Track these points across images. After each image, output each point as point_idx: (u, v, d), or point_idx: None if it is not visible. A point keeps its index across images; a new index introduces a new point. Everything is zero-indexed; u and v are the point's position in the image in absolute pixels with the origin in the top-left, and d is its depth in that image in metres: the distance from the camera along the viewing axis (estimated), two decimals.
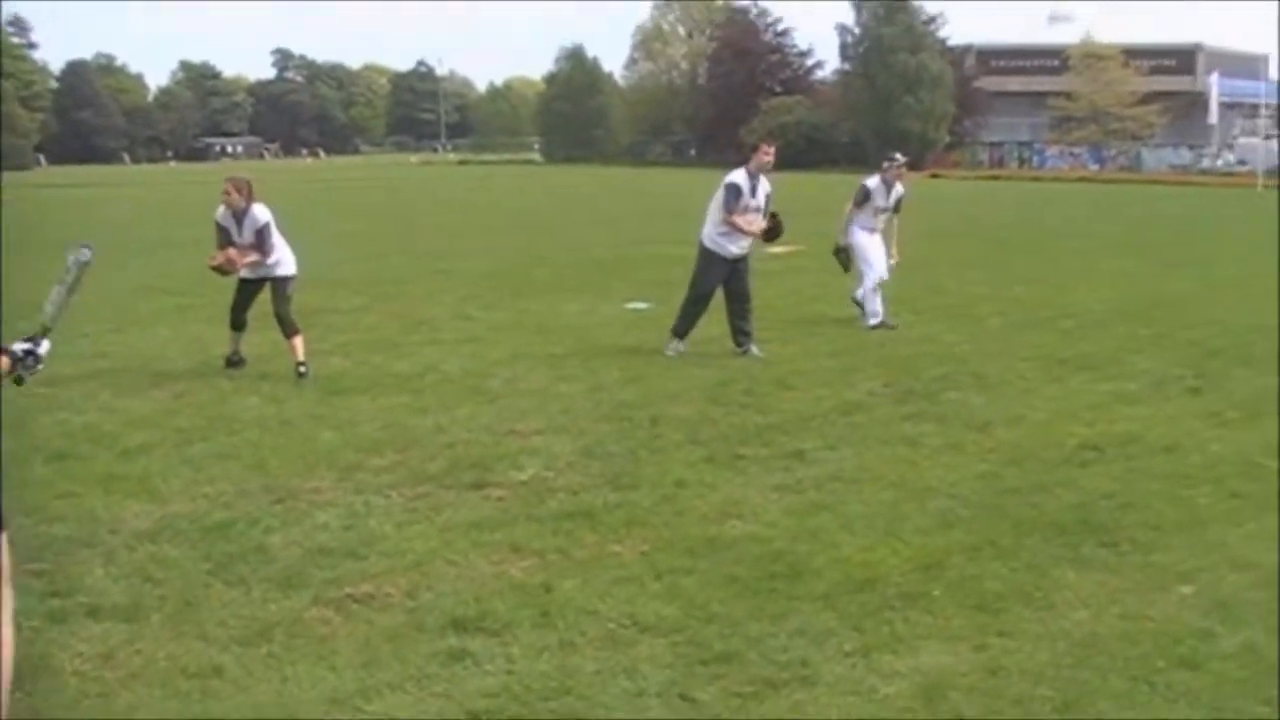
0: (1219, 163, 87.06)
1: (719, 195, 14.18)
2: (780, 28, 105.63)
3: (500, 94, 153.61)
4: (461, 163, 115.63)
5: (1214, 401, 11.93)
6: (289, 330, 13.26)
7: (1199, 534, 7.87)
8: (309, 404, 11.83)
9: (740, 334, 14.27)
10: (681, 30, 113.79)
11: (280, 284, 13.40)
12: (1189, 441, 10.30)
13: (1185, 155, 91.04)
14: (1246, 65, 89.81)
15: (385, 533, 8.07)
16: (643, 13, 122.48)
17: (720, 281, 14.29)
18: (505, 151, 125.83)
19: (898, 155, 16.81)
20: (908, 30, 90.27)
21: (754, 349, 14.17)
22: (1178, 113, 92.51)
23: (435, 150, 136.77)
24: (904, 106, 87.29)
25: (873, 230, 16.40)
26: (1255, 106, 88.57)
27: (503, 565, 7.44)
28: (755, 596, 6.86)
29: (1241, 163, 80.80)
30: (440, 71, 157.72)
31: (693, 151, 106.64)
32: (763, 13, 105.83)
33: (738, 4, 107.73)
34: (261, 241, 13.13)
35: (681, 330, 14.31)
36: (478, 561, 7.51)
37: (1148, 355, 14.42)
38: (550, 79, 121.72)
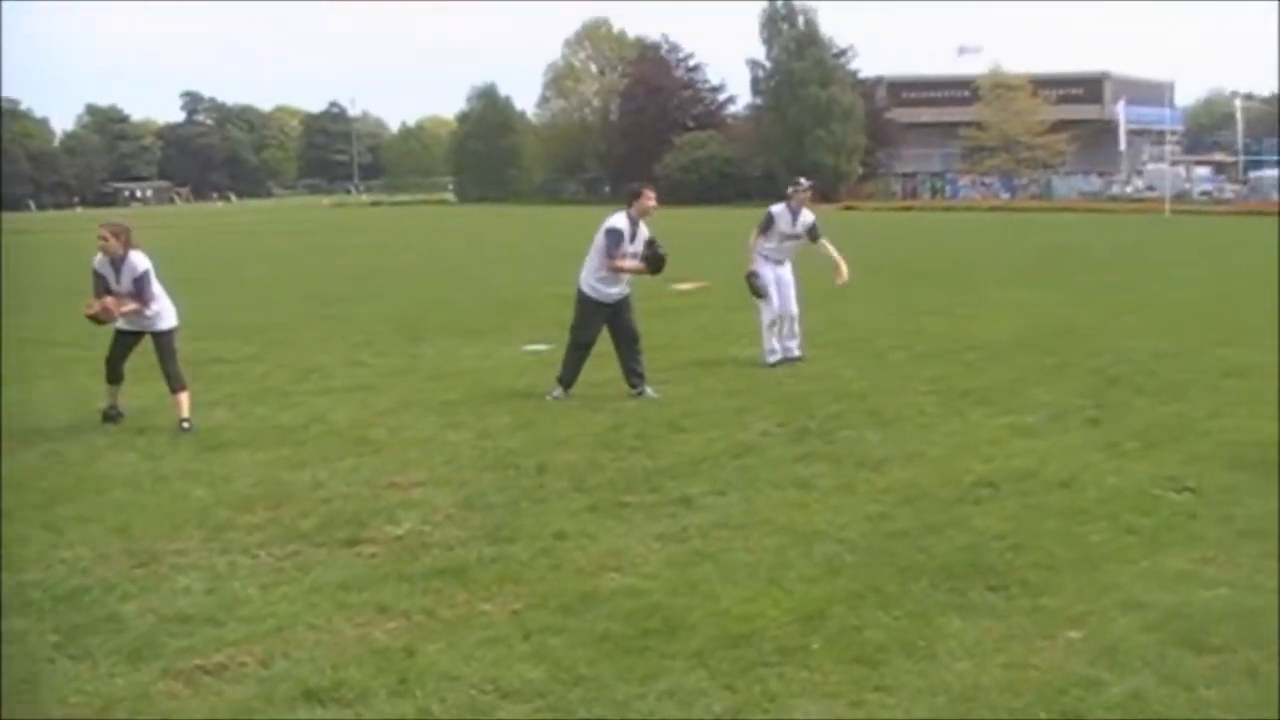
0: (1128, 189, 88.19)
1: (599, 241, 13.83)
2: (692, 63, 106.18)
3: (412, 134, 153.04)
4: (374, 204, 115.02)
5: (1113, 432, 11.74)
6: (176, 385, 12.81)
7: (1090, 575, 7.62)
8: (185, 460, 11.37)
9: (633, 375, 13.95)
10: (593, 67, 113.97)
11: (162, 339, 12.95)
12: (1086, 475, 10.08)
13: (1095, 182, 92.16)
14: (1153, 92, 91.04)
15: (248, 596, 7.66)
16: (554, 50, 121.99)
17: (600, 327, 13.96)
18: (419, 192, 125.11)
19: (802, 180, 16.54)
20: (818, 64, 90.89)
21: (648, 390, 13.85)
22: (1087, 140, 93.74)
23: (348, 192, 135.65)
24: (816, 139, 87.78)
25: (780, 262, 16.10)
26: (1162, 133, 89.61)
27: (367, 628, 7.07)
28: (626, 656, 6.53)
29: (1150, 189, 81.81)
30: (352, 112, 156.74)
31: (607, 188, 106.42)
32: (674, 48, 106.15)
33: (649, 40, 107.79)
34: (140, 290, 12.67)
35: (566, 379, 13.95)
36: (341, 625, 7.13)
37: (1048, 386, 14.24)
38: (462, 118, 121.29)
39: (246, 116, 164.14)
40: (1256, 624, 6.75)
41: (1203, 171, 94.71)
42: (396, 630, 7.03)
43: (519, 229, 62.53)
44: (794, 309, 16.09)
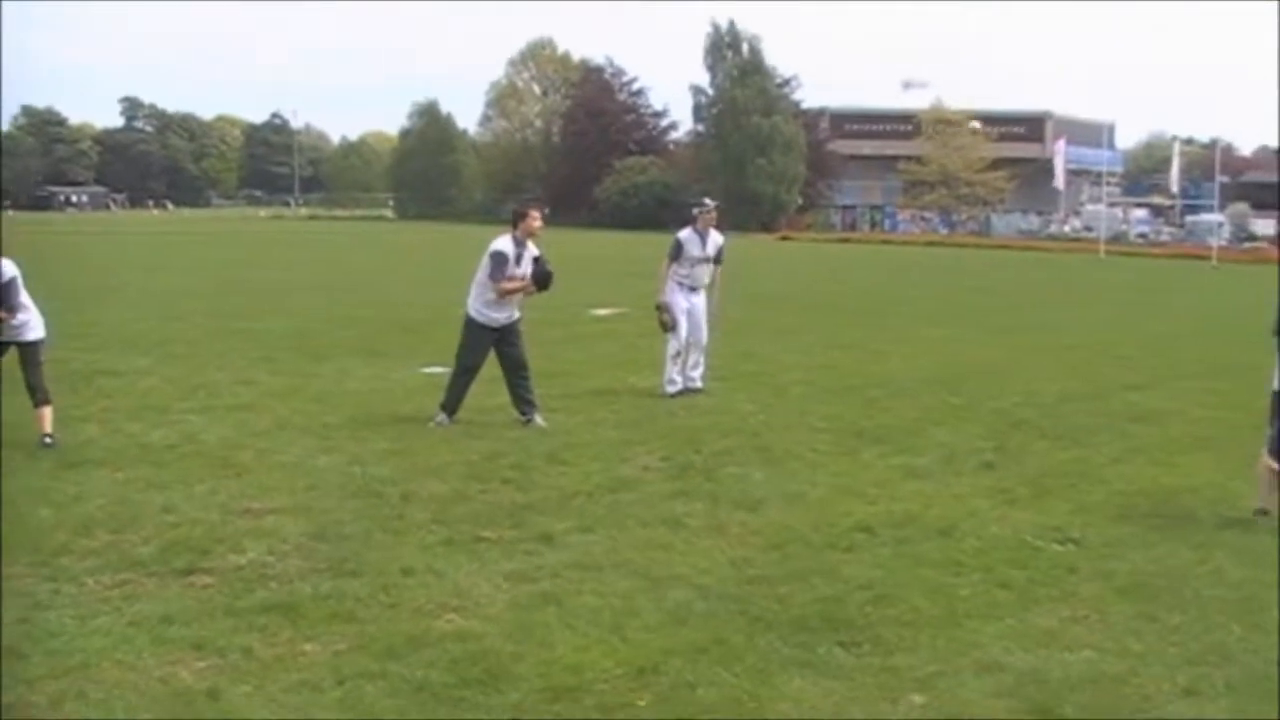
0: (1066, 228, 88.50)
1: (484, 264, 13.38)
2: (635, 87, 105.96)
3: (353, 149, 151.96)
4: (311, 218, 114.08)
5: (1005, 478, 11.41)
6: (39, 399, 12.23)
7: (951, 632, 7.22)
8: (39, 478, 10.80)
9: (522, 403, 13.49)
10: (536, 88, 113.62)
11: (29, 350, 12.36)
12: (968, 523, 9.70)
13: (1034, 221, 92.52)
14: (1093, 133, 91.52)
15: (63, 627, 7.15)
16: (497, 69, 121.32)
17: (487, 352, 13.51)
18: (358, 207, 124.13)
19: (707, 200, 16.09)
20: (761, 93, 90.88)
21: (538, 419, 13.40)
22: (1026, 179, 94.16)
23: (287, 205, 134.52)
24: (756, 168, 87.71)
25: (693, 289, 15.65)
26: (1101, 174, 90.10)
27: (175, 667, 6.58)
28: (439, 706, 6.10)
29: (1088, 229, 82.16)
30: (295, 124, 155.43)
31: (547, 210, 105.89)
32: (618, 72, 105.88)
33: (593, 63, 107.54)
34: (5, 298, 12.10)
35: (450, 405, 13.47)
36: (150, 662, 6.64)
37: (949, 427, 13.90)
38: (404, 134, 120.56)
39: (187, 124, 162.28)
40: (1115, 693, 6.38)
41: (1140, 213, 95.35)
42: (206, 670, 6.54)
43: (452, 248, 61.69)
44: (702, 339, 15.68)
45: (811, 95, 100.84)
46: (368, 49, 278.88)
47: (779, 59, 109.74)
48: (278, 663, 6.66)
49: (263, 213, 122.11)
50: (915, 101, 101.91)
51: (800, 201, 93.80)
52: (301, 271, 40.54)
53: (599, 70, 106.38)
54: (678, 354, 15.39)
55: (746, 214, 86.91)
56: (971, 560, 8.68)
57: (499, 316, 13.42)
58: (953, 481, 11.24)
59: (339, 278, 37.67)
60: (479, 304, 13.44)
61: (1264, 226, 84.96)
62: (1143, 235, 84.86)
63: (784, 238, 79.00)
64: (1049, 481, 11.29)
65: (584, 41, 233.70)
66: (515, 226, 13.58)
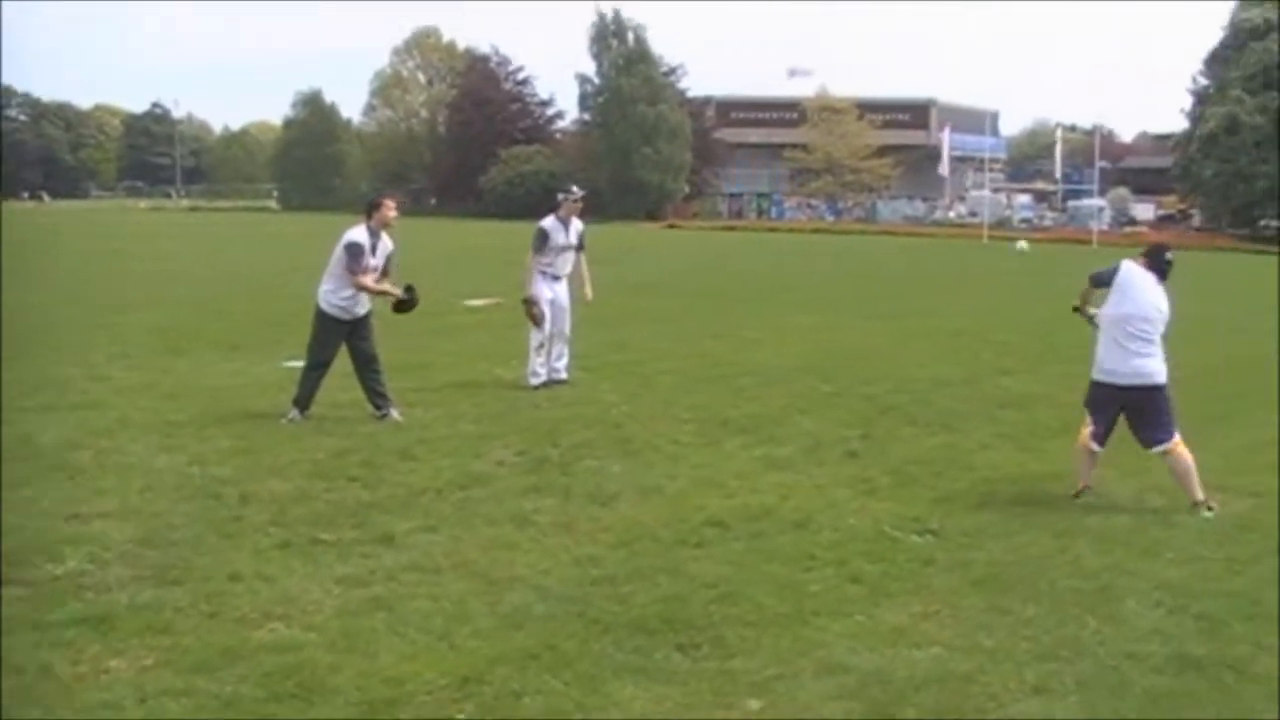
0: (951, 214, 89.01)
1: (339, 254, 12.94)
2: (521, 76, 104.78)
3: (235, 139, 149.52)
4: (193, 209, 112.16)
5: (869, 466, 11.17)
6: None
7: (796, 631, 6.93)
8: None
9: (376, 397, 13.05)
10: (421, 77, 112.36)
11: None
12: (825, 515, 9.44)
13: (919, 207, 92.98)
14: (978, 121, 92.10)
15: None
16: (382, 59, 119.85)
17: (339, 346, 13.07)
18: (240, 198, 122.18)
19: (574, 188, 15.76)
20: (647, 81, 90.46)
21: (394, 413, 12.97)
22: (911, 166, 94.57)
23: (169, 196, 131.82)
24: (642, 157, 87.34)
25: (556, 278, 15.28)
26: (985, 160, 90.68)
27: None
28: None
29: (973, 214, 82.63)
30: (177, 114, 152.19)
31: (433, 200, 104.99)
32: (504, 61, 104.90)
33: (478, 52, 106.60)
34: None
35: (301, 400, 12.97)
36: None
37: (816, 415, 13.66)
38: (288, 124, 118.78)
39: (63, 114, 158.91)
40: (960, 692, 6.11)
41: (1024, 199, 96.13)
42: None
43: (332, 239, 60.88)
44: (566, 328, 15.34)
45: (698, 84, 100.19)
46: (252, 36, 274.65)
47: (665, 48, 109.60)
48: (78, 682, 6.23)
49: (143, 204, 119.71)
50: (801, 89, 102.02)
51: (687, 190, 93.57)
52: (174, 263, 39.54)
53: (484, 59, 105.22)
54: (541, 345, 15.02)
55: (633, 203, 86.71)
56: (825, 554, 8.40)
57: (358, 310, 12.99)
58: (815, 471, 10.98)
59: (212, 270, 36.77)
60: (333, 297, 12.98)
61: (1144, 211, 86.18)
62: (1026, 220, 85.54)
63: (670, 226, 78.82)
64: (913, 469, 11.06)
65: (470, 30, 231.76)
66: (369, 216, 13.14)
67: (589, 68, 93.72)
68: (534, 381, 14.87)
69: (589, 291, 15.71)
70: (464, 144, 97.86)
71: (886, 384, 15.78)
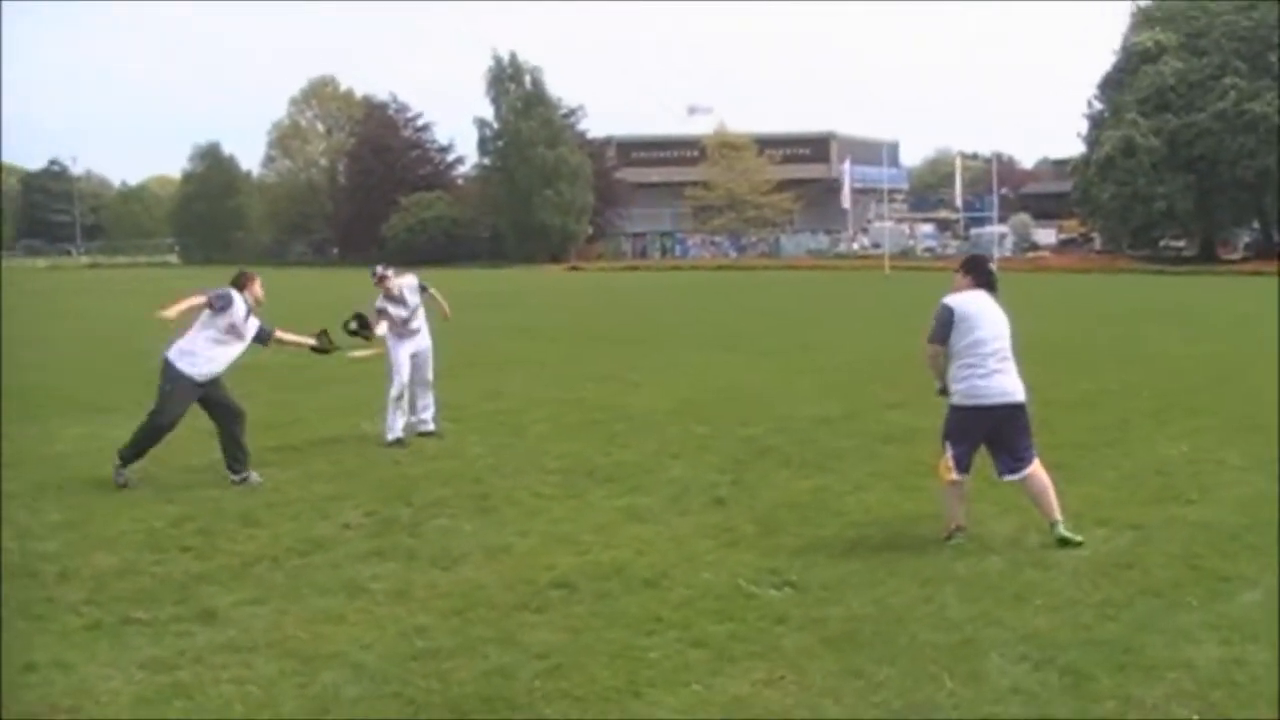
0: (855, 246, 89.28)
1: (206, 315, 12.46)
2: (420, 123, 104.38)
3: (133, 194, 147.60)
4: (92, 266, 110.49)
5: (735, 514, 10.65)
6: None
7: (625, 706, 6.40)
8: None
9: (234, 460, 12.40)
10: (320, 126, 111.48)
11: None
12: (680, 570, 8.89)
13: (823, 240, 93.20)
14: (878, 152, 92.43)
15: None
16: (279, 109, 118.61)
17: (188, 405, 12.45)
18: (140, 254, 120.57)
19: (377, 268, 15.13)
20: (545, 124, 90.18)
21: (253, 476, 12.32)
22: (813, 199, 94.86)
23: (68, 253, 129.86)
24: (543, 200, 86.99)
25: (415, 331, 14.77)
26: (888, 191, 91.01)
27: None
28: None
29: (876, 246, 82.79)
30: (75, 170, 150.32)
31: (335, 250, 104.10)
32: (402, 108, 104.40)
33: (376, 99, 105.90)
34: None
35: (129, 456, 12.35)
36: None
37: (687, 460, 13.14)
38: (186, 178, 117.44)
39: None
40: None
41: (926, 229, 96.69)
42: None
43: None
44: (429, 375, 14.83)
45: (598, 124, 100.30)
46: (149, 91, 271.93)
47: (563, 89, 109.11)
48: None
49: (41, 263, 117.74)
50: (700, 127, 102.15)
51: (590, 231, 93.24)
52: (57, 323, 38.57)
53: (383, 107, 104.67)
54: (400, 397, 14.43)
55: (536, 246, 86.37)
56: (672, 615, 7.85)
57: (214, 368, 12.47)
58: (676, 522, 10.44)
59: (98, 327, 35.83)
60: (196, 353, 12.41)
61: (1046, 236, 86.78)
62: (930, 249, 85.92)
63: (572, 268, 78.38)
64: (781, 515, 10.55)
65: (367, 78, 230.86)
66: (241, 289, 12.63)
67: (488, 112, 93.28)
68: (389, 437, 14.26)
69: (447, 309, 15.50)
70: (365, 192, 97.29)
71: (766, 424, 15.30)
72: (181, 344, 12.51)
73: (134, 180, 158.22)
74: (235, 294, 12.58)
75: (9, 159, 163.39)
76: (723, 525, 10.26)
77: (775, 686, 6.62)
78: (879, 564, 8.98)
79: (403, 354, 14.53)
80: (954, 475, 9.59)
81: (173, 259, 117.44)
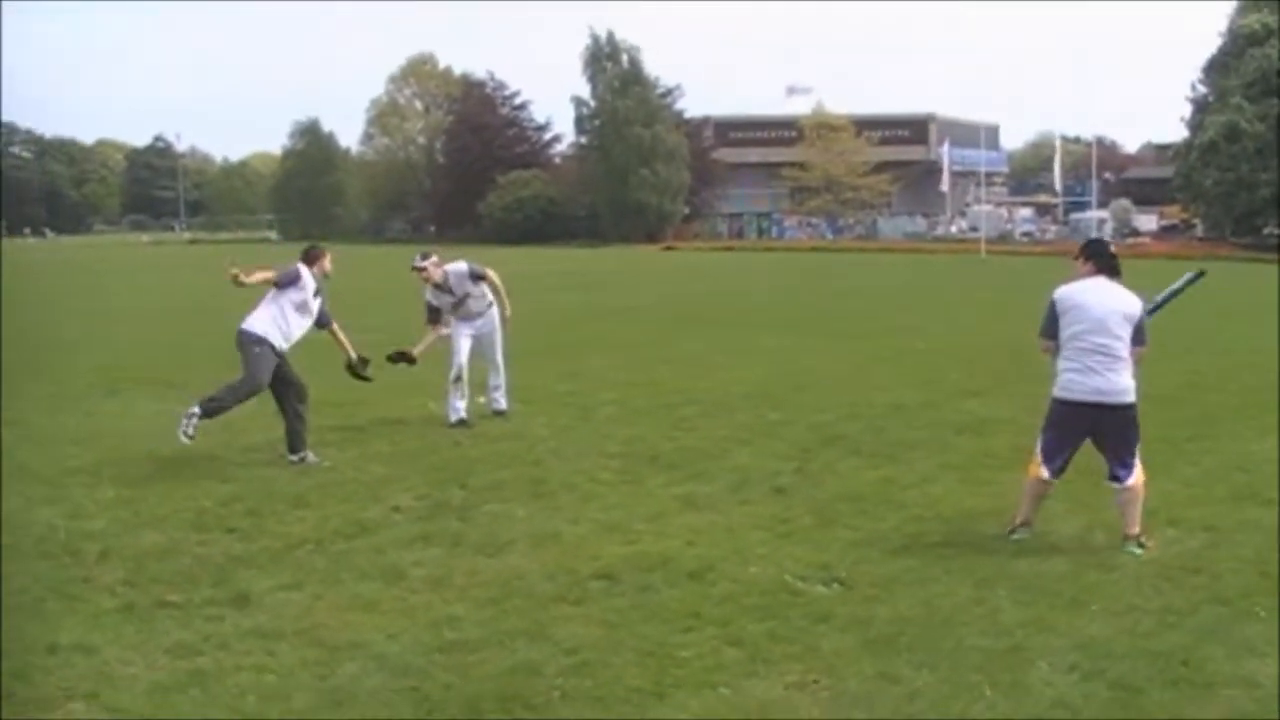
0: (953, 229, 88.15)
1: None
2: (518, 101, 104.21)
3: (234, 171, 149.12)
4: (193, 242, 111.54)
5: (794, 505, 10.36)
6: None
7: (646, 710, 6.16)
8: None
9: (295, 438, 12.32)
10: (418, 105, 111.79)
11: None
12: (727, 563, 8.62)
13: (921, 223, 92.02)
14: (978, 135, 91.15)
15: None
16: (378, 87, 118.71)
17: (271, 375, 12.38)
18: (241, 230, 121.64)
19: (415, 258, 14.81)
20: (642, 103, 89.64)
21: (310, 456, 12.21)
22: (911, 181, 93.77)
23: (172, 229, 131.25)
24: (639, 179, 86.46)
25: (467, 319, 14.58)
26: (987, 175, 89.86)
27: None
28: None
29: (974, 229, 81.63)
30: (179, 147, 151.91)
31: (432, 228, 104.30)
32: (500, 86, 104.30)
33: (474, 78, 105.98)
34: None
35: (212, 411, 12.27)
36: None
37: (755, 447, 12.85)
38: (286, 155, 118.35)
39: (66, 150, 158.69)
40: None
41: (1025, 213, 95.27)
42: None
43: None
44: (497, 358, 14.62)
45: (695, 104, 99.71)
46: (252, 67, 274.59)
47: (661, 69, 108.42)
48: None
49: (144, 238, 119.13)
50: (799, 108, 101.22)
51: (686, 211, 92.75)
52: (149, 298, 38.90)
53: (480, 85, 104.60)
54: (458, 379, 14.22)
55: (632, 225, 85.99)
56: (713, 610, 7.59)
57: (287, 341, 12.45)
58: (733, 511, 10.17)
59: (190, 301, 36.00)
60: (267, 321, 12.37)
61: (1147, 222, 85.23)
62: (1028, 234, 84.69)
63: (668, 248, 77.97)
64: (840, 507, 10.24)
65: (465, 56, 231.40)
66: (311, 265, 12.59)
67: (585, 91, 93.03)
68: (453, 418, 14.09)
69: (507, 308, 15.04)
70: (461, 170, 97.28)
71: (839, 410, 14.99)
72: (256, 315, 12.43)
73: (236, 157, 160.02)
74: (304, 270, 12.50)
75: (117, 135, 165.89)
76: (780, 516, 9.99)
77: (806, 691, 6.35)
78: (934, 561, 8.66)
79: (461, 336, 14.34)
80: (1037, 469, 9.21)
81: (272, 235, 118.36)
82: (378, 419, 14.64)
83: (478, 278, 14.50)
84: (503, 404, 14.73)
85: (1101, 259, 9.40)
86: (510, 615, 7.55)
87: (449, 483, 11.22)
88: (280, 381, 12.45)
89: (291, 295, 12.39)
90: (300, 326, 12.57)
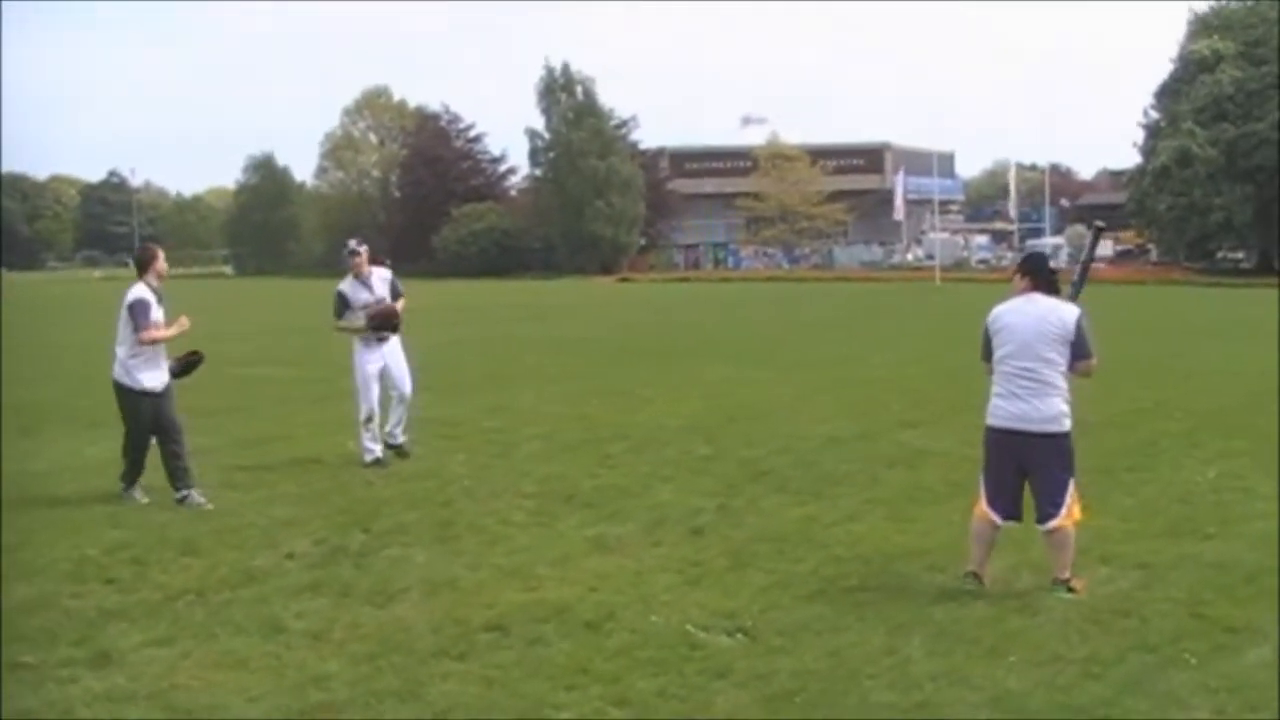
0: (909, 257, 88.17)
1: (124, 319, 11.79)
2: (472, 134, 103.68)
3: (188, 205, 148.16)
4: None
5: (709, 546, 9.89)
6: None
7: None
8: None
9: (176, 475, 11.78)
10: (373, 137, 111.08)
11: None
12: (628, 611, 8.13)
13: (877, 251, 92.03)
14: (933, 163, 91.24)
15: None
16: (332, 119, 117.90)
17: (149, 419, 11.82)
18: (195, 264, 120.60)
19: (350, 243, 14.19)
20: (597, 134, 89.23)
21: (195, 495, 11.64)
22: (866, 210, 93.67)
23: (125, 264, 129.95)
24: (595, 211, 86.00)
25: (382, 339, 13.84)
26: (943, 202, 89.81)
27: None
28: None
29: (930, 257, 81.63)
30: (134, 182, 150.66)
31: (388, 261, 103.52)
32: (454, 118, 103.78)
33: (429, 110, 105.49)
34: None
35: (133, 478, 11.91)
36: None
37: (678, 483, 12.37)
38: (240, 189, 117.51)
39: (19, 185, 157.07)
40: None
41: (981, 240, 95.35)
42: None
43: (272, 304, 59.50)
44: (406, 391, 13.92)
45: (651, 135, 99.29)
46: (207, 102, 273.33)
47: (616, 100, 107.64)
48: None
49: (96, 274, 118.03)
50: (753, 138, 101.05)
51: (642, 242, 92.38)
52: (95, 333, 38.11)
53: (435, 117, 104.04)
54: (369, 419, 13.61)
55: (587, 257, 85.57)
56: (604, 665, 7.09)
57: (154, 376, 11.79)
58: (645, 554, 9.67)
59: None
60: (130, 364, 11.77)
61: (1102, 247, 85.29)
62: (984, 261, 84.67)
63: (623, 279, 77.49)
64: (758, 548, 9.76)
65: (420, 89, 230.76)
66: (143, 271, 11.93)
67: (539, 123, 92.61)
68: (368, 458, 13.50)
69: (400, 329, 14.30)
70: (416, 203, 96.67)
71: (772, 444, 14.52)
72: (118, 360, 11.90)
73: (190, 192, 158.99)
74: (143, 291, 11.84)
75: (69, 171, 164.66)
76: (692, 559, 9.50)
77: None
78: (848, 608, 8.17)
79: (370, 371, 13.68)
80: (982, 507, 8.70)
81: (227, 270, 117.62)
82: (293, 458, 14.10)
83: (396, 294, 13.94)
84: (400, 439, 14.05)
85: (1037, 274, 8.87)
86: (385, 673, 7.02)
87: (351, 526, 10.68)
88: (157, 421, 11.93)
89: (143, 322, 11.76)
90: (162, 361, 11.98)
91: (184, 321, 12.10)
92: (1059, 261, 70.05)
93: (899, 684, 6.75)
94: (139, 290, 11.74)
